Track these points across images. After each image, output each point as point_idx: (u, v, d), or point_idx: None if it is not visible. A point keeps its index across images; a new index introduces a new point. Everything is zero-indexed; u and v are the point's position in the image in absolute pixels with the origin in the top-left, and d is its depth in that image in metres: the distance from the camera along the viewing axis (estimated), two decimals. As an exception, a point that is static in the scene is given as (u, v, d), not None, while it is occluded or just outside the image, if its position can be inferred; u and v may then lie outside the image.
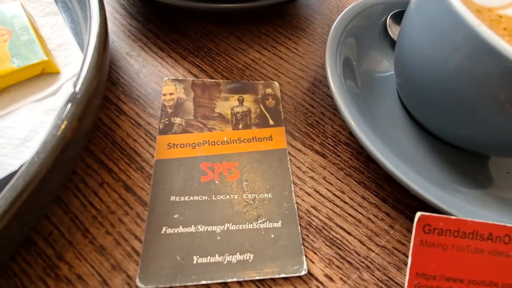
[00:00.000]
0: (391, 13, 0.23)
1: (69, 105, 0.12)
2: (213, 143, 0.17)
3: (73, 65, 0.17)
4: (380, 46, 0.22)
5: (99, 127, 0.17)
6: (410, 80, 0.17)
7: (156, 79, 0.20)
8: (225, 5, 0.20)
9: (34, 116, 0.15)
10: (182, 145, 0.17)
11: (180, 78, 0.20)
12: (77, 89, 0.12)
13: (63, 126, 0.11)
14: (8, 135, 0.14)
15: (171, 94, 0.19)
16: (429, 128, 0.18)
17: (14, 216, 0.10)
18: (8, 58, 0.15)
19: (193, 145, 0.17)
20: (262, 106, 0.20)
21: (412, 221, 0.12)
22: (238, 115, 0.19)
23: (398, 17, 0.23)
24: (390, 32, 0.22)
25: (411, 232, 0.12)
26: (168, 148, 0.17)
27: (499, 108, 0.13)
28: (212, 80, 0.20)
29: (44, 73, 0.16)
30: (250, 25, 0.24)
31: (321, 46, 0.24)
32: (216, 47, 0.22)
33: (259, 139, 0.18)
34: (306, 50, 0.24)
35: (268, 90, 0.20)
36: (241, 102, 0.19)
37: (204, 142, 0.17)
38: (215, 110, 0.19)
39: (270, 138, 0.18)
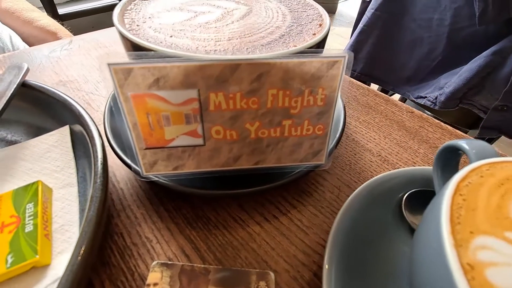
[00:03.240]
0: (406, 195, 0.21)
1: None
2: None
3: (65, 256, 0.17)
4: (396, 230, 0.20)
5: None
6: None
7: (147, 259, 0.19)
8: (240, 190, 0.20)
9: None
10: None
11: (169, 262, 0.19)
12: None
13: None
14: None
15: (155, 284, 0.18)
16: None
17: None
18: (4, 256, 0.16)
19: None
20: (251, 309, 0.17)
21: None
22: (221, 320, 0.17)
23: (412, 198, 0.21)
24: (405, 215, 0.20)
25: None
26: None
27: None
28: (202, 266, 0.19)
29: (34, 266, 0.17)
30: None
31: (328, 217, 0.22)
32: (215, 217, 0.22)
33: None
34: (311, 222, 0.22)
35: (262, 284, 0.18)
36: (228, 300, 0.17)
37: None
38: (198, 311, 0.17)
39: None
